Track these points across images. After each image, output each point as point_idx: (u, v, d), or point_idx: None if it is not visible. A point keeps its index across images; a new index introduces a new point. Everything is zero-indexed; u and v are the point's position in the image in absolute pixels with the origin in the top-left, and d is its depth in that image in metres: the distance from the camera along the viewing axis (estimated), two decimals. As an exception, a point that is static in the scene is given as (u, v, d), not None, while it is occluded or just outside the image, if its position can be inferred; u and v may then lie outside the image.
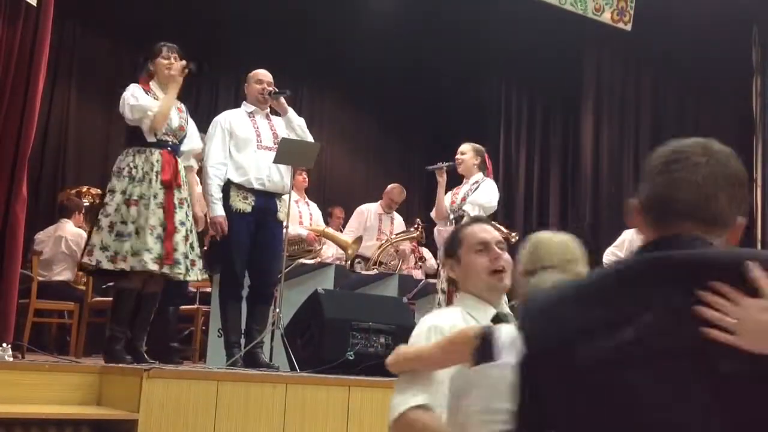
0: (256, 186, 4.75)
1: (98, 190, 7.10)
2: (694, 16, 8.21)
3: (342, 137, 10.35)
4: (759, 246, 8.13)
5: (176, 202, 4.36)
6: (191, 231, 4.45)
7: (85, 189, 7.56)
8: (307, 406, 3.54)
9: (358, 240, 6.99)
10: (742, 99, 8.59)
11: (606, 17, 8.46)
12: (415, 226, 7.27)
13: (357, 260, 6.99)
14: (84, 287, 6.38)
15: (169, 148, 4.44)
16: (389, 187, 7.66)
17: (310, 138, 5.00)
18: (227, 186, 4.75)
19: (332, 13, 9.01)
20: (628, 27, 8.62)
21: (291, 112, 4.95)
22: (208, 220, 4.82)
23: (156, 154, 4.37)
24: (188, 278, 4.46)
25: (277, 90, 4.91)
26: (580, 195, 9.34)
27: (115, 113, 7.83)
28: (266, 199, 4.80)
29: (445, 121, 10.11)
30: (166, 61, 4.47)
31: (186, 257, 4.36)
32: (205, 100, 9.03)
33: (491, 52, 9.76)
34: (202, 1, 8.63)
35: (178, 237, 4.31)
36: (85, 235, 6.56)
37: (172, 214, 4.31)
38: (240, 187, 4.76)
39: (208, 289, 6.15)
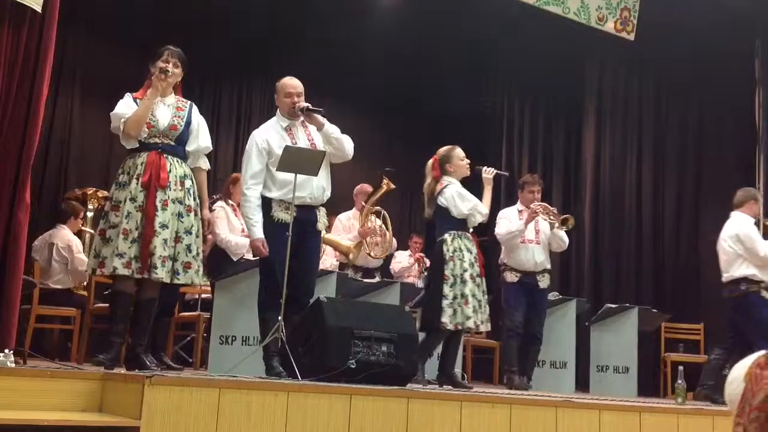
0: (297, 203, 4.64)
1: (105, 192, 7.05)
2: (697, 28, 8.24)
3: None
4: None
5: (158, 204, 4.22)
6: (188, 233, 4.30)
7: (91, 191, 7.51)
8: (308, 415, 3.53)
9: (359, 245, 6.99)
10: (744, 110, 8.60)
11: (609, 27, 8.48)
12: (383, 180, 7.31)
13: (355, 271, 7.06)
14: (85, 293, 6.37)
15: (159, 149, 4.31)
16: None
17: (348, 144, 4.85)
18: (268, 199, 4.68)
19: (335, 22, 9.03)
20: (631, 37, 8.65)
21: (326, 125, 4.81)
22: (250, 241, 4.74)
23: (142, 157, 4.28)
24: (177, 281, 4.29)
25: (310, 107, 4.77)
26: (582, 202, 9.34)
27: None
28: (307, 211, 4.72)
29: (448, 129, 10.13)
30: (162, 65, 4.38)
31: (172, 260, 4.23)
32: (207, 104, 9.03)
33: (495, 61, 9.79)
34: (205, 7, 8.65)
35: (157, 240, 4.18)
36: (77, 241, 6.56)
37: (153, 217, 4.19)
38: (281, 201, 4.68)
39: (209, 296, 6.16)
